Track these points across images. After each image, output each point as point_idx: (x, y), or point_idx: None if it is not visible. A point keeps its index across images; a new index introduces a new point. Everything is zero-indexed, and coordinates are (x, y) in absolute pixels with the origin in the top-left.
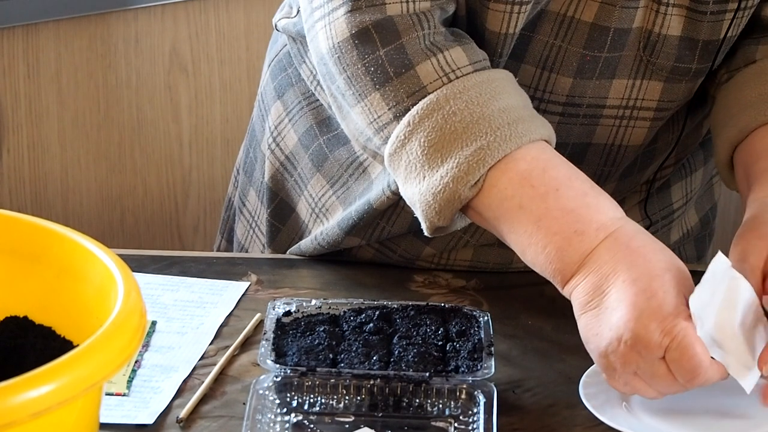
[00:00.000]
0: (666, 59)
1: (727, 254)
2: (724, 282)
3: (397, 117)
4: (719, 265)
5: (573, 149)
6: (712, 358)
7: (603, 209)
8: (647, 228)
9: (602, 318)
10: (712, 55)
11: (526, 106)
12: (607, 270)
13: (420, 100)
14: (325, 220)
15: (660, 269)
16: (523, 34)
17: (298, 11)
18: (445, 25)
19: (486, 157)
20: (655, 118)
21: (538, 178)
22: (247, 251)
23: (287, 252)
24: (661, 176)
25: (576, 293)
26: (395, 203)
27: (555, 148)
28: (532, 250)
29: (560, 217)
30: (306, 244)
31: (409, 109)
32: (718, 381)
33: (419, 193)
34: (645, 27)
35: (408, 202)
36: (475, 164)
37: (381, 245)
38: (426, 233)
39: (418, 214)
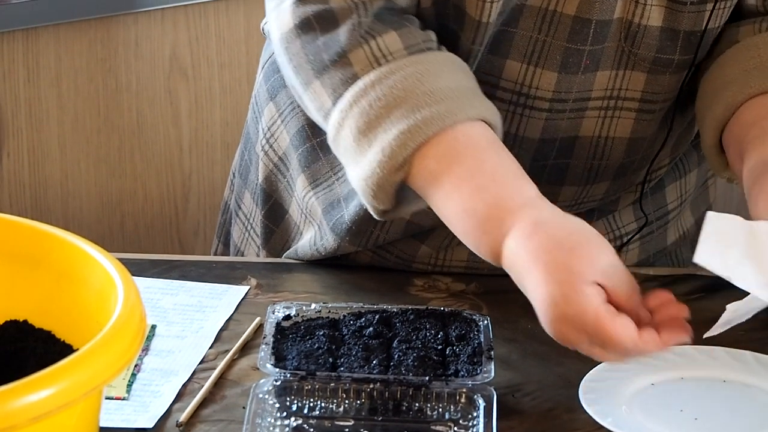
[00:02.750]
0: (647, 50)
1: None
2: (739, 234)
3: (335, 104)
4: (718, 219)
5: (561, 143)
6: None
7: (501, 203)
8: (642, 227)
9: (531, 296)
10: (694, 47)
11: (459, 88)
12: (519, 272)
13: (351, 86)
14: (312, 220)
15: (558, 272)
16: (506, 30)
17: None
18: (408, 12)
19: (407, 141)
20: (640, 109)
21: (444, 177)
22: (243, 254)
23: (283, 256)
24: (655, 176)
25: (506, 265)
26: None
27: (543, 144)
28: (459, 235)
29: (466, 219)
30: (303, 249)
31: (343, 96)
32: (656, 350)
33: (356, 178)
34: (625, 18)
35: (354, 187)
36: (397, 149)
37: (377, 248)
38: (375, 216)
39: (362, 199)
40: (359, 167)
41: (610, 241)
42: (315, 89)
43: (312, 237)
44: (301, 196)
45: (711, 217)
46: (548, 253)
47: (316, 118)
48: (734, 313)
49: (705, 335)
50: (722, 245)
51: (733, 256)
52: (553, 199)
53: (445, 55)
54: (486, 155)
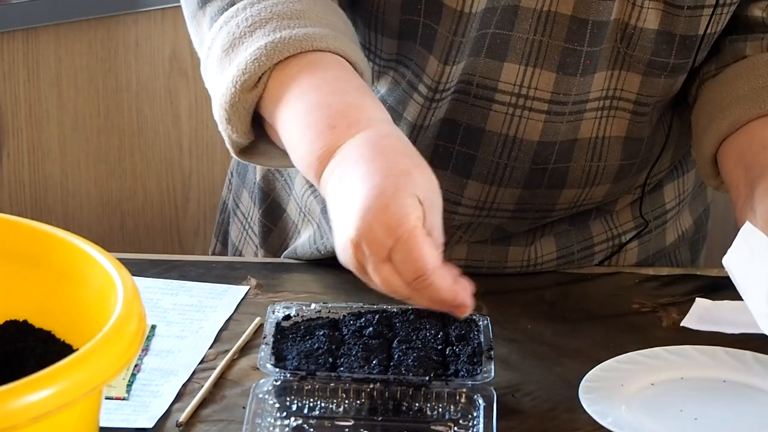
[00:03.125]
0: (642, 52)
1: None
2: (765, 256)
3: (209, 30)
4: (752, 234)
5: (560, 147)
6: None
7: (364, 109)
8: (642, 229)
9: (339, 214)
10: (691, 52)
11: (330, 23)
12: (349, 165)
13: (226, 11)
14: (312, 219)
15: (397, 169)
16: (502, 33)
17: None
18: None
19: (262, 58)
20: (635, 111)
21: (305, 79)
22: (241, 253)
23: (282, 256)
24: (655, 179)
25: (326, 184)
26: None
27: (542, 148)
28: (294, 147)
29: (317, 112)
30: (303, 249)
31: (217, 21)
32: (448, 297)
33: (215, 103)
34: (622, 19)
35: (216, 122)
36: (251, 65)
37: None
38: (232, 154)
39: (221, 130)
40: (218, 88)
41: (607, 240)
42: (198, 20)
43: (311, 236)
44: (300, 194)
45: (748, 228)
46: (386, 156)
47: (199, 53)
48: (706, 311)
49: (682, 323)
50: (747, 259)
51: (751, 273)
52: (554, 202)
53: (328, 1)
54: (347, 74)
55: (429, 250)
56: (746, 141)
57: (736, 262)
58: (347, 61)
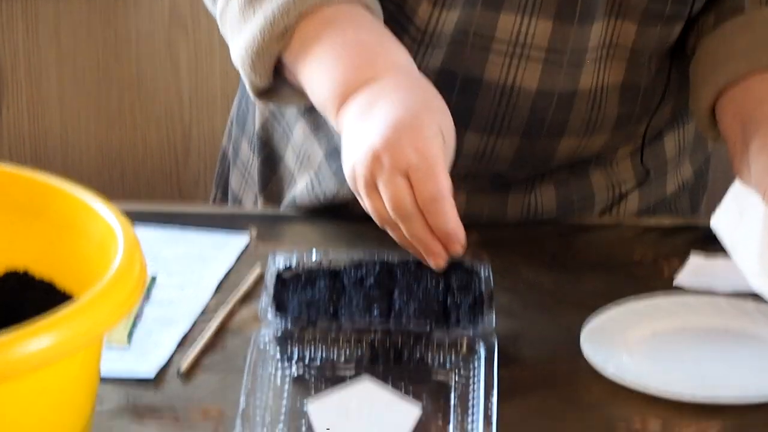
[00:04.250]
0: (638, 0)
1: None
2: (756, 216)
3: None
4: (741, 194)
5: (560, 98)
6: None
7: (397, 53)
8: (644, 179)
9: (363, 128)
10: (687, 0)
11: None
12: (385, 91)
13: None
14: (309, 167)
15: (434, 107)
16: None
17: None
18: None
19: (290, 9)
20: (632, 60)
21: (340, 21)
22: (241, 202)
23: (282, 206)
24: (655, 130)
25: (347, 113)
26: None
27: (541, 98)
28: (319, 77)
29: (355, 47)
30: (302, 196)
31: None
32: (452, 229)
33: (237, 49)
34: None
35: (234, 64)
36: (280, 15)
37: None
38: (252, 97)
39: (241, 74)
40: (241, 37)
41: (608, 189)
42: None
43: (308, 183)
44: (299, 142)
45: (736, 188)
46: (425, 91)
47: (213, 2)
48: (700, 268)
49: (674, 282)
50: (737, 218)
51: (741, 233)
52: (553, 151)
53: None
54: (375, 24)
55: (447, 178)
56: (743, 96)
57: (724, 223)
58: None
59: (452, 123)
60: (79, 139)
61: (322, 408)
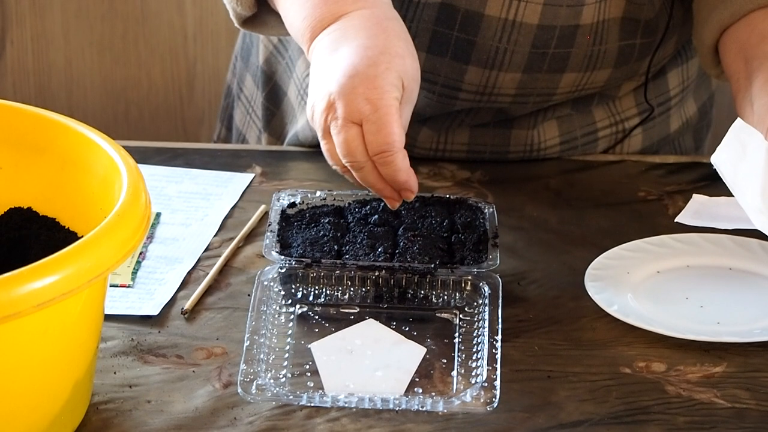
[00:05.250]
0: None
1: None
2: (758, 152)
3: None
4: (744, 131)
5: (561, 32)
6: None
7: None
8: (648, 115)
9: (324, 71)
10: None
11: None
12: (349, 32)
13: None
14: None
15: (393, 51)
16: None
17: None
18: None
19: None
20: None
21: None
22: (245, 137)
23: (285, 142)
24: (658, 66)
25: (317, 47)
26: None
27: (542, 32)
28: (294, 11)
29: None
30: (304, 133)
31: None
32: (402, 179)
33: None
34: None
35: None
36: None
37: None
38: (236, 24)
39: (225, 2)
40: None
41: (611, 125)
42: None
43: None
44: (301, 77)
45: (738, 125)
46: (387, 35)
47: None
48: (702, 206)
49: (677, 218)
50: (738, 156)
51: (743, 170)
52: (555, 85)
53: None
54: None
55: (399, 129)
56: (746, 32)
57: (725, 160)
58: None
59: (416, 66)
60: (84, 75)
61: (325, 347)
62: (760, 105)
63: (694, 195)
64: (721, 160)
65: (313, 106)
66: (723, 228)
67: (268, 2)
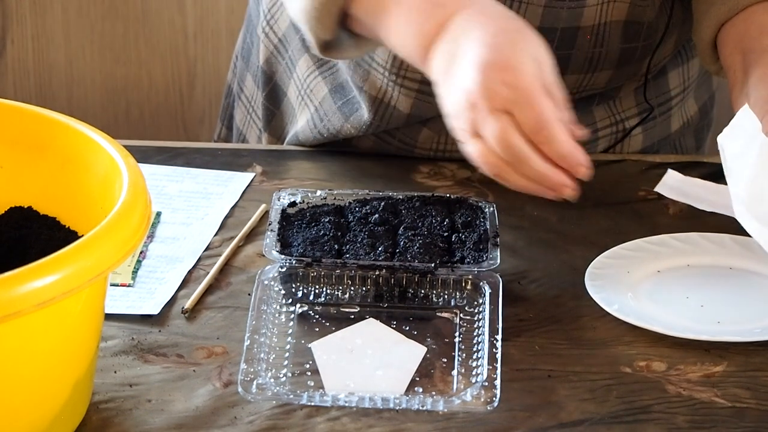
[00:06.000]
0: None
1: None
2: (754, 142)
3: None
4: (748, 120)
5: (562, 34)
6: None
7: None
8: (648, 114)
9: (453, 79)
10: None
11: None
12: (460, 33)
13: None
14: (309, 102)
15: (512, 29)
16: None
17: None
18: None
19: None
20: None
21: None
22: (245, 137)
23: (285, 141)
24: (657, 64)
25: (435, 64)
26: (386, 102)
27: (543, 33)
28: (396, 31)
29: None
30: (305, 132)
31: None
32: (567, 151)
33: (298, 4)
34: None
35: (295, 21)
36: None
37: (380, 132)
38: (316, 51)
39: (304, 29)
40: None
41: (611, 125)
42: None
43: (309, 120)
44: (303, 77)
45: (746, 110)
46: (497, 19)
47: None
48: (677, 182)
49: (656, 188)
50: (739, 141)
51: (739, 156)
52: None
53: None
54: None
55: (549, 102)
56: (744, 26)
57: (729, 143)
58: None
59: (537, 38)
60: (84, 74)
61: (326, 347)
62: (756, 96)
63: (669, 170)
64: (726, 141)
65: (453, 115)
66: (699, 208)
67: (354, 24)
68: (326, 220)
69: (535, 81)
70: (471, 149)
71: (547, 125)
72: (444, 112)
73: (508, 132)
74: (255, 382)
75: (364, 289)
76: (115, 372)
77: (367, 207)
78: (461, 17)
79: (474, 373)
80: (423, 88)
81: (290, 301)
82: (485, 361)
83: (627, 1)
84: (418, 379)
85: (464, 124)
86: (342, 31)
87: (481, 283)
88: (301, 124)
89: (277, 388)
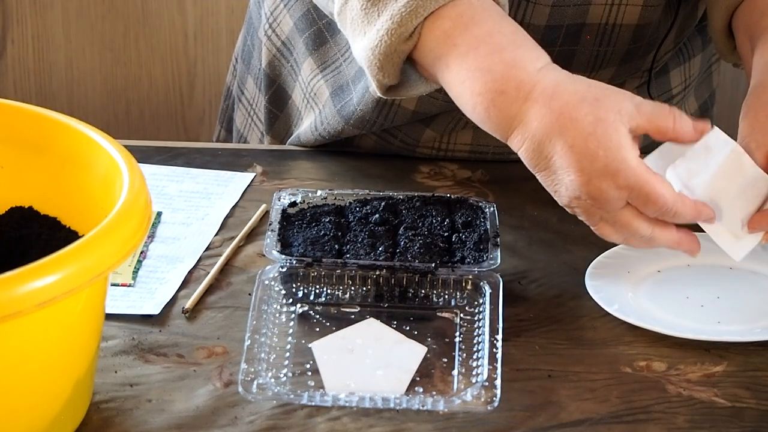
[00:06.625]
0: None
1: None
2: (721, 153)
3: None
4: (716, 139)
5: (567, 30)
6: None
7: (520, 63)
8: None
9: (556, 178)
10: None
11: None
12: (541, 137)
13: None
14: (315, 105)
15: (589, 124)
16: None
17: None
18: None
19: (418, 9)
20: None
21: (460, 37)
22: (246, 139)
23: (286, 143)
24: (661, 62)
25: (522, 154)
26: (390, 101)
27: (549, 31)
28: (468, 108)
29: (481, 78)
30: (306, 134)
31: None
32: (693, 216)
33: (362, 49)
34: None
35: (358, 61)
36: (407, 16)
37: (382, 132)
38: (378, 93)
39: (366, 72)
40: (366, 38)
41: None
42: None
43: (312, 122)
44: (307, 80)
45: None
46: (576, 109)
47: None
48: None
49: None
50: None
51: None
52: None
53: None
54: (504, 21)
55: (661, 184)
56: (749, 10)
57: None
58: None
59: (612, 88)
60: (84, 74)
61: (326, 347)
62: (753, 85)
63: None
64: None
65: (572, 209)
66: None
67: (418, 68)
68: (326, 220)
69: (641, 171)
70: (597, 231)
71: (669, 208)
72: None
73: (633, 225)
74: (255, 382)
75: (364, 289)
76: (116, 372)
77: (368, 207)
78: (531, 116)
79: (474, 373)
80: None
81: (291, 301)
82: (485, 361)
83: (639, 4)
84: (418, 379)
85: (585, 218)
86: (409, 67)
87: (482, 283)
88: (305, 126)
89: (278, 388)
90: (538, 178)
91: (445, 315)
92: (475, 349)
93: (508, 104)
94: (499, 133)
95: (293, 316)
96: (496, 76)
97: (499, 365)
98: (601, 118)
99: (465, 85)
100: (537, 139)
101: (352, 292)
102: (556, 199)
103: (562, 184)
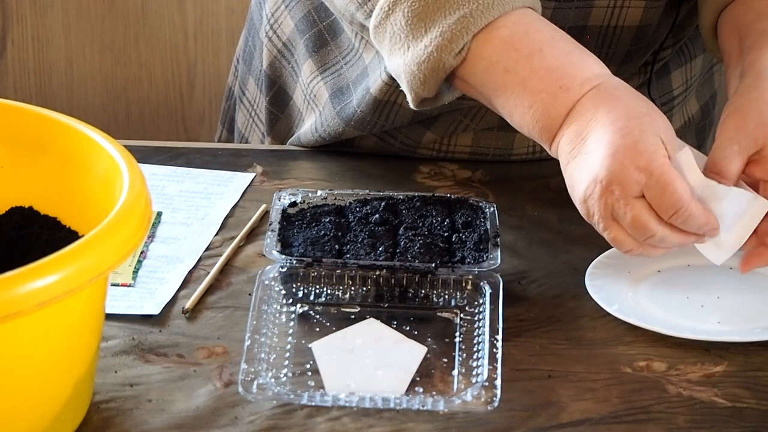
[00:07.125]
0: None
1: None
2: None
3: None
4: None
5: (569, 32)
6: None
7: (588, 66)
8: None
9: (581, 163)
10: None
11: None
12: (588, 117)
13: None
14: (315, 106)
15: (638, 112)
16: None
17: None
18: None
19: (469, 25)
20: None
21: (520, 42)
22: (247, 140)
23: (287, 144)
24: (660, 58)
25: (561, 146)
26: (392, 102)
27: None
28: (519, 111)
29: (545, 76)
30: (306, 135)
31: None
32: (703, 223)
33: (404, 63)
34: None
35: (393, 74)
36: (458, 32)
37: (383, 133)
38: (411, 105)
39: (404, 85)
40: (410, 53)
41: None
42: None
43: (313, 123)
44: (306, 81)
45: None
46: (624, 102)
47: (348, 6)
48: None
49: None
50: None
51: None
52: None
53: None
54: (558, 31)
55: (682, 182)
56: (741, 11)
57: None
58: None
59: (663, 118)
60: (84, 74)
61: (326, 347)
62: (749, 80)
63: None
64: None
65: (586, 201)
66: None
67: (457, 82)
68: (327, 220)
69: (665, 162)
70: (607, 235)
71: (683, 208)
72: (570, 193)
73: (643, 217)
74: (255, 382)
75: (364, 289)
76: (116, 372)
77: (368, 207)
78: (589, 99)
79: (474, 373)
80: None
81: (291, 301)
82: (485, 361)
83: (641, 6)
84: (418, 379)
85: (598, 209)
86: (444, 84)
87: (482, 283)
88: (306, 127)
89: (278, 388)
90: (566, 175)
91: (445, 315)
92: (475, 349)
93: (569, 97)
94: (548, 132)
95: (293, 316)
96: (563, 74)
97: (499, 365)
98: (648, 113)
99: (527, 83)
100: (584, 119)
101: (352, 292)
102: (573, 197)
103: (585, 168)
